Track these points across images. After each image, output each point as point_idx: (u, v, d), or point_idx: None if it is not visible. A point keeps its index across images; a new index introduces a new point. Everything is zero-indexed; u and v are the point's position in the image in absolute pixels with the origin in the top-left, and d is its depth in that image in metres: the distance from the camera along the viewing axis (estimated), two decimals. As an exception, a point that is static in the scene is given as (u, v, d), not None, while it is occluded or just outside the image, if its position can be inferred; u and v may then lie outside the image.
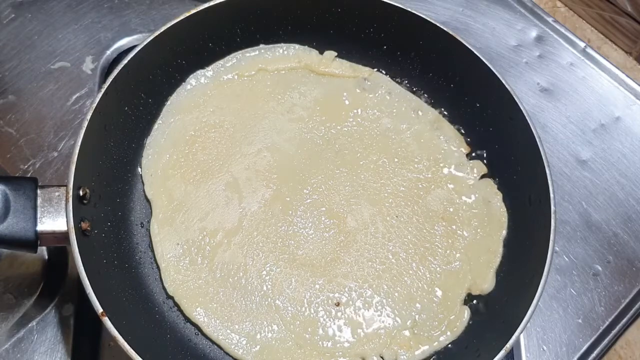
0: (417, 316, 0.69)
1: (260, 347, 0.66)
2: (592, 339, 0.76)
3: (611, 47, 1.01)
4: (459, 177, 0.77)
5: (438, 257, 0.72)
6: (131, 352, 0.56)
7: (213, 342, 0.67)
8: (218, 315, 0.67)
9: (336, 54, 0.83)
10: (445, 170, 0.77)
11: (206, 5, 0.75)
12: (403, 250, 0.72)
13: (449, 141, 0.79)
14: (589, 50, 0.96)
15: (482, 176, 0.77)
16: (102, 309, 0.57)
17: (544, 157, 0.69)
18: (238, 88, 0.80)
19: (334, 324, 0.67)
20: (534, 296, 0.62)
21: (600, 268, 0.81)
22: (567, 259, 0.81)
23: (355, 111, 0.80)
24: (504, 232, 0.73)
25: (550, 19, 0.99)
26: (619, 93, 0.93)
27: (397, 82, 0.83)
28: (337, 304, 0.68)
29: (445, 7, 0.99)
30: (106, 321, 0.57)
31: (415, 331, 0.68)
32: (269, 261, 0.70)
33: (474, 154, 0.79)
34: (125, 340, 0.56)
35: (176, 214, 0.72)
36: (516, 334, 0.60)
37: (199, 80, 0.80)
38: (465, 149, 0.79)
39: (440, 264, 0.72)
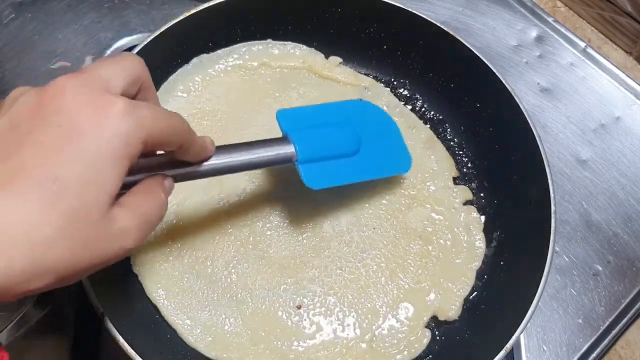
0: (377, 331, 0.67)
1: (214, 338, 0.65)
2: (593, 339, 0.76)
3: (611, 47, 1.01)
4: (443, 199, 0.75)
5: (409, 275, 0.70)
6: (131, 352, 0.56)
7: (169, 326, 0.66)
8: (178, 299, 0.66)
9: (341, 59, 0.82)
10: (431, 190, 0.75)
11: (206, 5, 0.75)
12: (375, 263, 0.70)
13: (439, 162, 0.78)
14: (589, 50, 0.96)
15: (466, 202, 0.76)
16: (102, 309, 0.57)
17: (544, 157, 0.69)
18: (238, 79, 0.79)
19: (292, 326, 0.66)
20: (534, 296, 0.61)
21: (600, 268, 0.81)
22: (567, 259, 0.81)
23: (350, 119, 0.79)
24: (478, 264, 0.71)
25: (550, 19, 0.99)
26: (619, 93, 0.93)
27: (397, 82, 0.83)
28: (299, 307, 0.67)
29: (445, 7, 0.99)
30: (106, 321, 0.57)
31: (373, 345, 0.66)
32: (238, 254, 0.69)
33: (474, 155, 0.79)
34: (125, 340, 0.56)
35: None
36: (516, 334, 0.60)
37: (201, 64, 0.79)
38: (454, 173, 0.77)
39: (410, 282, 0.70)
